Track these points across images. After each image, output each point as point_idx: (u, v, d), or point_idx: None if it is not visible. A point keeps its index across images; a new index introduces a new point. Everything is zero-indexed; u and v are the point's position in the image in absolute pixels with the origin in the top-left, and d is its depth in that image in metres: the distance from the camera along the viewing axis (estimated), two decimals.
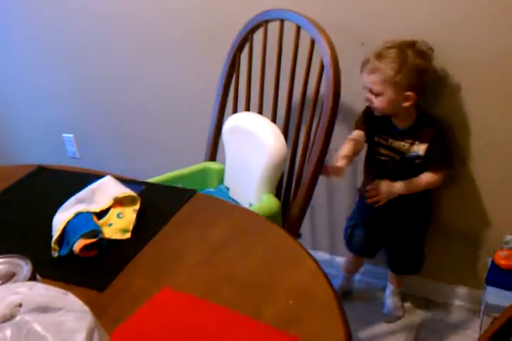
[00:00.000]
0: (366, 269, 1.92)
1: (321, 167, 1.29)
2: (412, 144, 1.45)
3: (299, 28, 1.34)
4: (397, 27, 1.47)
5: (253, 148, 1.33)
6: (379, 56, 1.35)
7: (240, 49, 1.51)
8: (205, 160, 1.58)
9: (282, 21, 1.39)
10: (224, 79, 1.55)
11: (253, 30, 1.47)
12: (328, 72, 1.25)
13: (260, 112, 1.46)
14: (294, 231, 1.31)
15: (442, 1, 1.39)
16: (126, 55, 1.99)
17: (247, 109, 1.51)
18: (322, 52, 1.26)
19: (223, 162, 1.53)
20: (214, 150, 1.57)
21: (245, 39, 1.49)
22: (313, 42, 1.30)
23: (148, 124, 2.12)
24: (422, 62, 1.36)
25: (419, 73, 1.36)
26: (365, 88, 1.41)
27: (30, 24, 2.12)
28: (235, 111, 1.54)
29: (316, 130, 1.28)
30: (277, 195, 1.38)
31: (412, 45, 1.36)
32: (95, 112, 2.22)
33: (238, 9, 1.66)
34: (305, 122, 1.38)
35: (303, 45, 1.35)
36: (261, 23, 1.44)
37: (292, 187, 1.39)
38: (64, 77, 2.19)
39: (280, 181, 1.38)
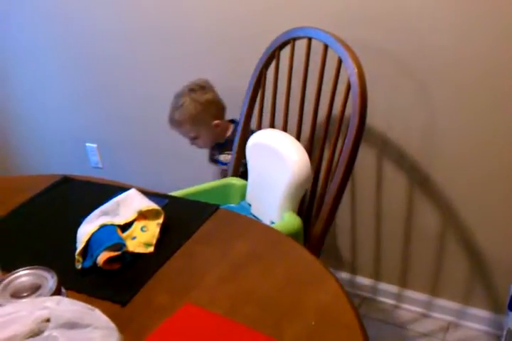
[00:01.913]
0: (382, 289, 1.90)
1: (345, 185, 1.28)
2: (229, 154, 1.66)
3: (326, 47, 1.34)
4: (427, 45, 1.47)
5: (276, 166, 1.33)
6: (175, 108, 1.62)
7: (266, 65, 1.52)
8: (228, 175, 1.58)
9: (310, 39, 1.39)
10: (249, 95, 1.55)
11: (280, 47, 1.47)
12: (355, 91, 1.25)
13: (285, 129, 1.47)
14: (316, 250, 1.30)
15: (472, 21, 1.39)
16: (150, 67, 2.02)
17: (272, 125, 1.51)
18: (349, 70, 1.26)
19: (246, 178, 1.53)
20: (237, 165, 1.58)
21: (272, 56, 1.50)
22: (340, 61, 1.30)
23: (171, 137, 2.13)
24: (208, 95, 1.63)
25: (212, 103, 1.63)
26: (185, 137, 1.69)
27: (56, 34, 2.16)
28: (259, 127, 1.54)
29: (341, 148, 1.28)
30: (299, 212, 1.38)
31: (192, 87, 1.62)
32: (119, 123, 2.24)
33: (266, 26, 1.67)
34: (330, 140, 1.38)
35: (330, 64, 1.35)
36: (288, 41, 1.45)
37: (315, 205, 1.38)
38: (88, 87, 2.22)
39: (302, 199, 1.37)
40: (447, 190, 1.63)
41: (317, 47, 1.37)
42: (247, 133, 1.57)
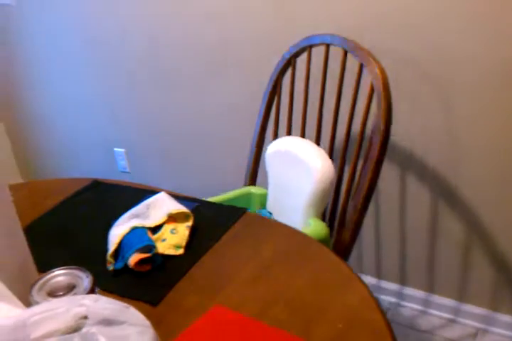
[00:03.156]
0: (408, 294, 1.89)
1: (373, 190, 1.28)
2: None
3: (345, 52, 1.34)
4: (445, 49, 1.46)
5: (299, 173, 1.32)
6: None
7: (282, 72, 1.51)
8: (245, 184, 1.57)
9: (327, 46, 1.38)
10: (265, 103, 1.55)
11: (296, 55, 1.46)
12: (379, 96, 1.24)
13: (302, 137, 1.46)
14: (344, 257, 1.29)
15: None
16: (178, 75, 2.05)
17: (288, 132, 1.51)
18: (372, 75, 1.26)
19: (263, 185, 1.53)
20: (254, 174, 1.57)
21: (288, 63, 1.49)
22: (361, 66, 1.29)
23: (198, 144, 2.16)
24: None
25: None
26: None
27: (90, 40, 2.20)
28: (275, 135, 1.54)
29: (367, 153, 1.27)
30: (323, 217, 1.37)
31: None
32: (147, 129, 2.27)
33: (285, 32, 1.68)
34: (352, 148, 1.37)
35: (348, 70, 1.34)
36: (305, 48, 1.43)
37: (339, 211, 1.37)
38: (119, 93, 2.26)
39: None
40: (472, 196, 1.61)
41: (335, 54, 1.37)
42: (262, 141, 1.57)
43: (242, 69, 1.86)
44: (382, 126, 1.24)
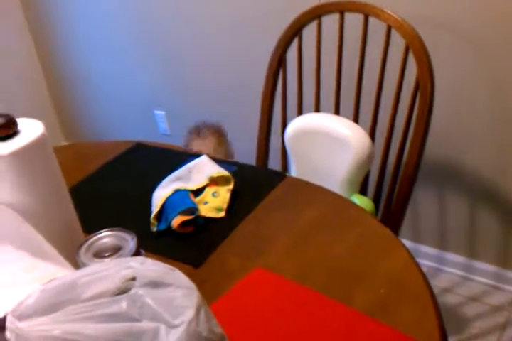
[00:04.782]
0: (453, 260, 1.88)
1: (422, 158, 1.25)
2: None
3: (367, 17, 1.28)
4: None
5: (332, 149, 1.26)
6: None
7: (287, 45, 1.42)
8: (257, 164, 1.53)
9: (342, 13, 1.32)
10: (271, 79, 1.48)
11: (305, 24, 1.37)
12: (418, 57, 1.20)
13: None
14: (394, 231, 1.27)
15: None
16: (216, 38, 2.03)
17: (300, 108, 1.45)
18: (408, 37, 1.21)
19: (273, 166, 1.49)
20: (265, 154, 1.54)
21: (295, 34, 1.39)
22: (389, 29, 1.24)
23: (235, 106, 2.14)
24: None
25: None
26: None
27: (130, 3, 2.19)
28: (284, 117, 1.49)
29: (406, 123, 1.24)
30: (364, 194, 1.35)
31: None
32: (186, 91, 2.27)
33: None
34: (384, 114, 1.33)
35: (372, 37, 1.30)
36: (318, 15, 1.35)
37: (386, 185, 1.34)
38: (159, 56, 2.26)
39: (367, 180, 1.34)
40: None
41: (353, 21, 1.32)
42: (269, 124, 1.52)
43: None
44: (428, 86, 1.21)
